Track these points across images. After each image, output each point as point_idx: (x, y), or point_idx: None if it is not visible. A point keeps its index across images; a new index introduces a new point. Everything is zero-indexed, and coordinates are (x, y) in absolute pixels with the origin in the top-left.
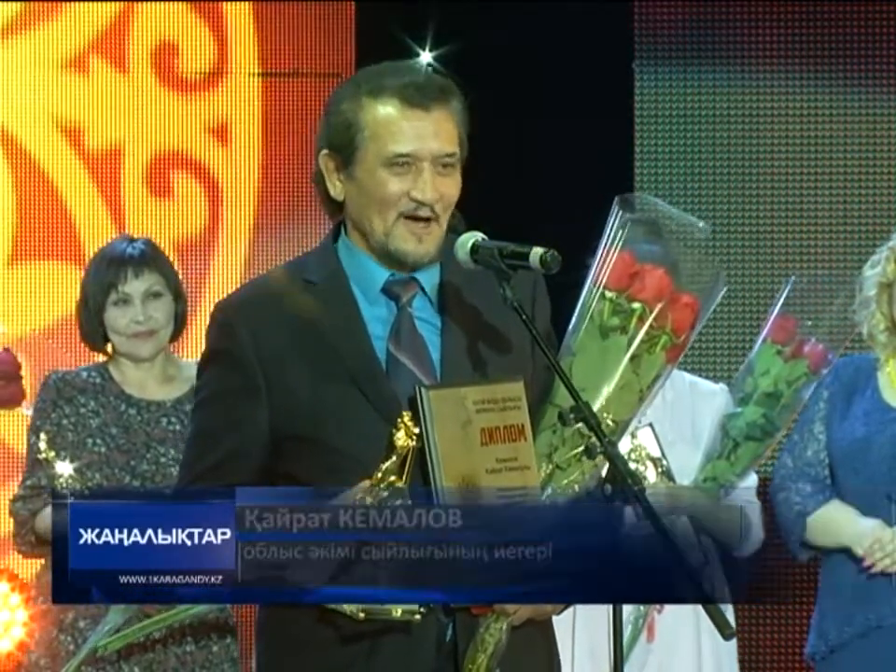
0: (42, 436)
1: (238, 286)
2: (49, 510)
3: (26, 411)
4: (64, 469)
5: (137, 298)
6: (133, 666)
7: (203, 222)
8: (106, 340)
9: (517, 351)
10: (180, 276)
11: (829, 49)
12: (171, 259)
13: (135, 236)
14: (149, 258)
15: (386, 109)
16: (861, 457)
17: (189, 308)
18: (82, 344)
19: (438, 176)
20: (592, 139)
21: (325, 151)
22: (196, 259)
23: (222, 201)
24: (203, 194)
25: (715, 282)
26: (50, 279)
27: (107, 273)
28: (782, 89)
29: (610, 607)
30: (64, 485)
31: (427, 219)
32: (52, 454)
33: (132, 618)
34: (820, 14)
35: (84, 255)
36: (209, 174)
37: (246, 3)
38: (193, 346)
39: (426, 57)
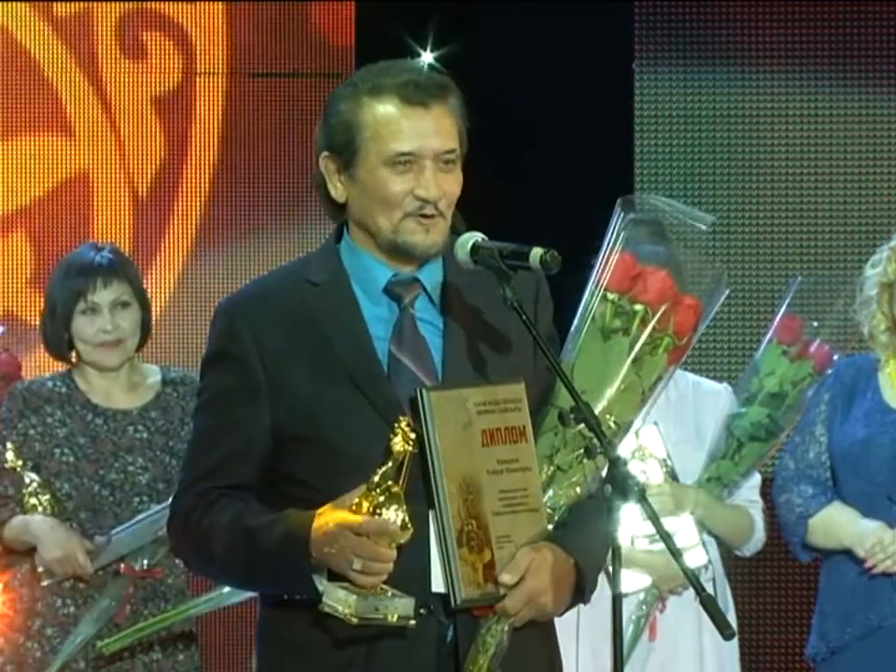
0: (9, 445)
1: (218, 137)
2: (16, 519)
3: None
4: (32, 478)
5: (105, 307)
6: None
7: (177, 78)
8: (71, 348)
9: (519, 352)
10: (161, 131)
11: (829, 49)
12: (150, 117)
13: (101, 243)
14: (118, 266)
15: (386, 108)
16: (862, 459)
17: (174, 164)
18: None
19: (440, 173)
20: (592, 139)
21: (325, 153)
22: (175, 114)
23: (195, 55)
24: (175, 50)
25: (717, 284)
26: (41, 151)
27: (76, 281)
28: (782, 89)
29: (611, 606)
30: (32, 495)
31: (433, 216)
32: (20, 463)
33: (102, 629)
34: (820, 14)
35: (69, 124)
36: (180, 28)
37: (245, 3)
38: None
39: (426, 57)
